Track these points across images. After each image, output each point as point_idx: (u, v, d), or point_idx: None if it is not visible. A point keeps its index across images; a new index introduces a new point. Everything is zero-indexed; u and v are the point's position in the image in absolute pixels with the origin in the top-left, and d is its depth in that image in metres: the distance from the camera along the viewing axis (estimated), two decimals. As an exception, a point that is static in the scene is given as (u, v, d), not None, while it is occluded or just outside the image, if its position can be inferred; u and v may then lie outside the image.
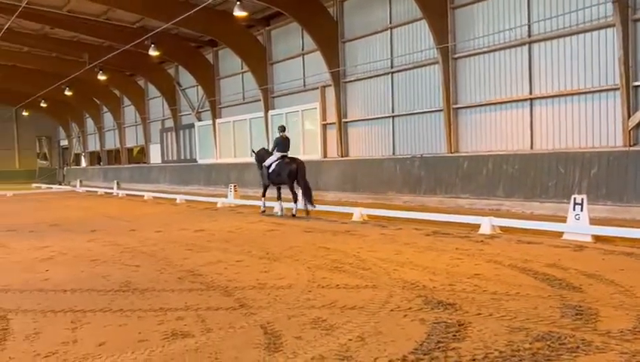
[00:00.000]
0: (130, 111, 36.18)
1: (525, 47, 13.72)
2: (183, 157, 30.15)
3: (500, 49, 14.27)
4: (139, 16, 22.66)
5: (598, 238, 8.29)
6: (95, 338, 4.46)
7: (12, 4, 20.84)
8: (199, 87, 27.55)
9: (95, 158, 43.27)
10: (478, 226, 9.74)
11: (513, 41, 13.93)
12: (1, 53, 29.27)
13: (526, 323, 4.44)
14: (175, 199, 19.89)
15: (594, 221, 8.82)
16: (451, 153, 15.24)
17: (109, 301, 5.65)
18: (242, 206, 16.57)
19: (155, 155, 33.52)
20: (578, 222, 8.59)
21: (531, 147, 13.65)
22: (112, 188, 27.60)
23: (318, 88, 20.26)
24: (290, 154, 13.91)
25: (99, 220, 14.36)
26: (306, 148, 20.88)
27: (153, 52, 23.44)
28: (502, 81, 14.33)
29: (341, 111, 19.23)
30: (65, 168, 47.62)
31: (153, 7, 20.56)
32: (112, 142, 39.67)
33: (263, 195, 14.39)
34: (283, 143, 13.81)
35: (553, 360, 3.69)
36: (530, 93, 13.67)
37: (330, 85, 19.39)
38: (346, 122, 19.32)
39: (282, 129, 14.08)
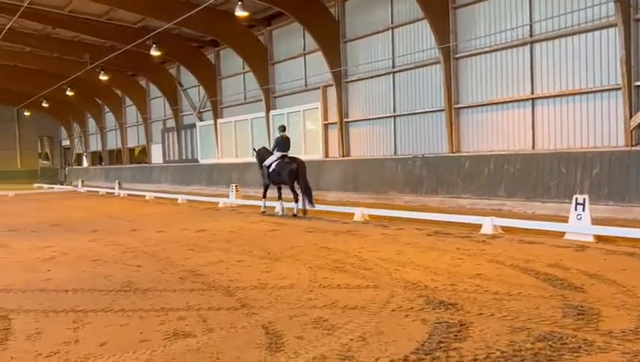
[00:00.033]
0: (131, 112, 36.22)
1: (527, 47, 13.71)
2: (184, 158, 30.17)
3: (502, 49, 14.26)
4: (140, 16, 22.69)
5: (599, 238, 8.28)
6: (97, 338, 4.46)
7: (14, 4, 20.87)
8: (201, 87, 27.58)
9: (97, 158, 43.32)
10: (479, 226, 9.73)
11: (515, 40, 13.92)
12: (2, 53, 29.32)
13: (528, 323, 4.44)
14: (177, 199, 19.89)
15: (596, 221, 8.81)
16: (453, 153, 15.23)
17: (110, 301, 5.65)
18: (244, 206, 16.58)
19: (156, 155, 33.55)
20: (580, 222, 8.58)
21: (533, 147, 13.64)
22: (114, 188, 27.64)
23: (319, 88, 20.26)
24: (291, 154, 13.91)
25: (100, 220, 14.37)
26: (307, 148, 20.88)
27: (155, 52, 23.45)
28: (503, 80, 14.32)
29: (342, 111, 19.23)
30: (66, 168, 47.67)
31: (155, 7, 20.58)
32: (113, 142, 39.72)
33: (264, 196, 14.40)
34: (283, 143, 13.83)
35: (555, 360, 3.68)
36: (532, 92, 13.66)
37: (331, 85, 19.39)
38: (348, 122, 19.32)
39: (282, 128, 14.09)
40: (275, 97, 22.87)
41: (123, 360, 3.98)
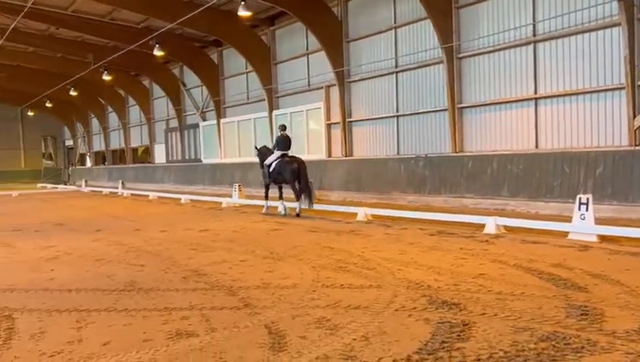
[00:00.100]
0: (134, 111, 36.27)
1: (530, 47, 13.68)
2: (187, 157, 30.21)
3: (505, 48, 14.23)
4: (143, 16, 22.71)
5: (603, 238, 8.26)
6: (100, 338, 4.47)
7: (18, 4, 20.93)
8: (204, 87, 27.61)
9: (100, 158, 43.40)
10: (482, 226, 9.72)
11: (518, 40, 13.89)
12: (6, 53, 29.38)
13: (531, 323, 4.43)
14: (180, 199, 19.92)
15: (599, 221, 8.79)
16: (456, 153, 15.21)
17: (113, 300, 5.66)
18: (247, 206, 16.59)
19: (159, 155, 33.59)
20: (583, 222, 8.56)
21: (536, 147, 13.61)
22: (117, 188, 27.69)
23: (322, 88, 20.26)
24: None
25: (104, 220, 14.40)
26: (310, 148, 20.88)
27: (158, 52, 23.48)
28: (507, 80, 14.29)
29: (345, 111, 19.23)
30: (70, 168, 47.75)
31: (158, 8, 20.60)
32: (116, 142, 39.79)
33: (266, 196, 14.43)
34: (284, 142, 13.86)
35: (558, 360, 3.67)
36: (535, 92, 13.63)
37: (334, 85, 19.38)
38: (351, 122, 19.31)
39: (283, 128, 14.12)
40: (277, 97, 22.87)
41: (126, 359, 3.99)
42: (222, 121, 26.62)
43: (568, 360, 3.67)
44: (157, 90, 32.65)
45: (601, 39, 12.23)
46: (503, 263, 6.87)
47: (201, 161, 28.60)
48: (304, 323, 4.65)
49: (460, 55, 15.26)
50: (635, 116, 11.43)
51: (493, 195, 13.26)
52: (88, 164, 44.91)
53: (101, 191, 28.24)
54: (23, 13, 20.72)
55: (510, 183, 13.00)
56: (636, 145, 11.34)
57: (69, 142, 49.45)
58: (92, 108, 40.90)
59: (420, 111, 16.70)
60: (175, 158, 31.38)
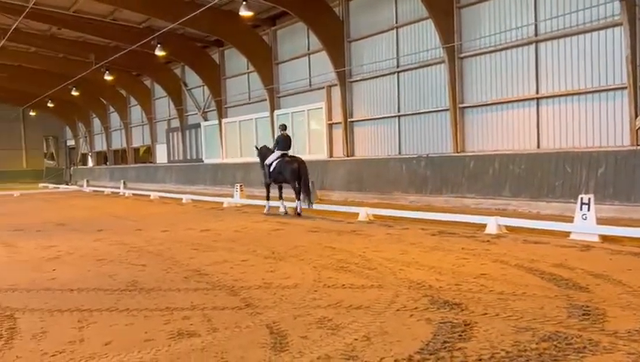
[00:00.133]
0: (136, 111, 36.30)
1: (532, 47, 13.67)
2: (189, 157, 30.22)
3: (507, 48, 14.22)
4: (145, 16, 22.73)
5: (605, 238, 8.25)
6: (101, 338, 4.47)
7: (20, 4, 20.96)
8: (205, 87, 27.62)
9: (102, 158, 43.45)
10: (484, 226, 9.71)
11: (520, 40, 13.88)
12: (8, 53, 29.41)
13: (532, 323, 4.43)
14: (181, 199, 19.93)
15: (601, 221, 8.78)
16: (457, 153, 15.20)
17: (115, 300, 5.67)
18: (248, 206, 16.59)
19: (161, 155, 33.62)
20: (585, 222, 8.55)
21: (538, 146, 13.60)
22: (119, 188, 27.71)
23: (323, 88, 20.26)
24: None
25: (105, 220, 14.41)
26: (311, 148, 20.89)
27: (159, 52, 23.50)
28: (508, 80, 14.28)
29: (347, 111, 19.22)
30: (72, 168, 47.82)
31: (159, 8, 20.62)
32: (118, 142, 39.82)
33: (267, 197, 14.43)
34: (284, 141, 13.88)
35: (560, 360, 3.67)
36: (537, 92, 13.62)
37: (336, 85, 19.38)
38: (352, 122, 19.31)
39: (283, 127, 14.15)
40: (279, 97, 22.88)
41: (128, 359, 3.99)
42: (223, 121, 26.63)
43: (570, 360, 3.67)
44: (158, 90, 32.66)
45: (602, 39, 12.22)
46: (504, 263, 6.86)
47: (202, 161, 28.62)
48: (306, 323, 4.65)
49: (462, 55, 15.25)
50: (637, 116, 11.42)
51: (494, 195, 13.25)
52: (90, 163, 44.96)
53: (103, 191, 28.25)
54: (24, 14, 20.75)
55: (512, 183, 12.99)
56: (638, 145, 11.33)
57: (71, 142, 49.52)
58: (94, 108, 40.95)
59: (422, 111, 16.69)
60: (176, 158, 31.40)
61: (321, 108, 20.46)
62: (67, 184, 40.40)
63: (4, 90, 39.59)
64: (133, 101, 36.07)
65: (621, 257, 7.09)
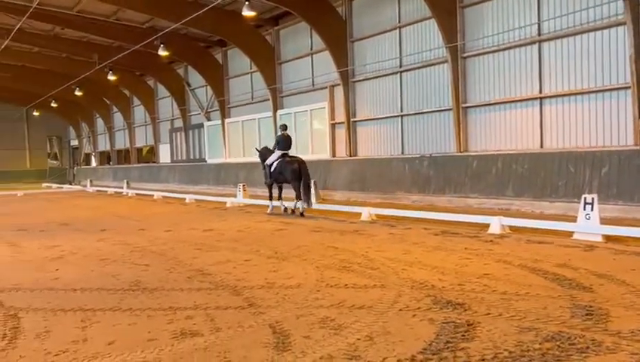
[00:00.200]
0: (139, 111, 36.38)
1: (535, 46, 13.64)
2: (192, 157, 30.26)
3: (510, 48, 14.20)
4: (148, 16, 22.79)
5: (608, 238, 8.22)
6: (105, 337, 4.48)
7: (23, 4, 21.02)
8: (208, 87, 27.65)
9: (105, 158, 43.56)
10: (487, 226, 9.69)
11: (523, 39, 13.86)
12: (12, 53, 29.51)
13: (536, 323, 4.42)
14: (184, 198, 19.95)
15: (605, 221, 8.75)
16: (460, 152, 15.18)
17: (118, 300, 5.68)
18: (251, 205, 16.59)
19: (164, 155, 33.68)
20: (588, 222, 8.53)
21: (541, 146, 13.58)
22: (122, 188, 27.76)
23: (326, 88, 20.26)
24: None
25: (109, 219, 14.44)
26: (314, 148, 20.89)
27: (162, 52, 23.54)
28: (511, 79, 14.26)
29: (350, 111, 19.22)
30: (75, 168, 47.95)
31: (162, 8, 20.66)
32: (121, 141, 39.91)
33: (270, 197, 14.44)
34: (284, 141, 13.90)
35: (563, 360, 3.66)
36: (540, 92, 13.60)
37: (338, 85, 19.38)
38: (355, 121, 19.31)
39: (284, 127, 14.18)
40: (282, 97, 22.89)
41: (131, 358, 4.00)
42: (226, 120, 26.65)
43: (573, 360, 3.66)
44: (162, 90, 32.73)
45: (606, 38, 12.19)
46: (507, 263, 6.85)
47: (205, 161, 28.65)
48: (308, 322, 4.65)
49: (465, 54, 15.23)
50: (640, 115, 11.39)
51: (497, 195, 13.22)
52: (93, 163, 45.06)
53: (106, 191, 28.32)
54: (28, 14, 20.80)
55: (515, 183, 12.96)
56: (642, 145, 11.31)
57: (74, 142, 49.65)
58: (97, 108, 41.04)
59: (425, 110, 16.68)
60: (180, 158, 31.44)
61: (324, 108, 20.46)
62: (70, 184, 40.51)
63: (7, 90, 39.72)
64: (136, 101, 36.13)
65: (625, 257, 7.06)
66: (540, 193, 12.32)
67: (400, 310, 4.94)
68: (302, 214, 13.28)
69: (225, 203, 17.72)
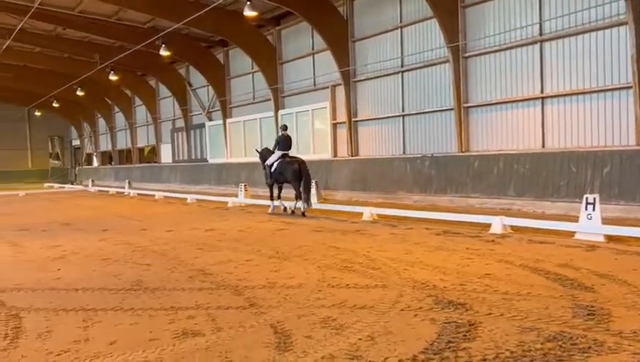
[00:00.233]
0: (141, 111, 36.40)
1: (537, 46, 13.63)
2: (193, 157, 30.28)
3: (511, 47, 14.19)
4: (149, 16, 22.80)
5: (610, 238, 8.21)
6: (106, 337, 4.49)
7: (25, 5, 21.04)
8: (210, 87, 27.67)
9: (107, 158, 43.60)
10: (488, 226, 9.68)
11: (524, 39, 13.85)
12: (13, 53, 29.55)
13: (537, 323, 4.41)
14: (186, 198, 19.96)
15: (606, 220, 8.75)
16: (462, 152, 15.18)
17: (120, 300, 5.68)
18: (252, 205, 16.60)
19: (165, 155, 33.71)
20: (590, 222, 8.52)
21: (543, 146, 13.56)
22: (124, 188, 27.79)
23: (328, 87, 20.26)
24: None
25: (110, 219, 14.45)
26: (316, 148, 20.89)
27: (164, 52, 23.54)
28: (513, 79, 14.25)
29: (351, 111, 19.22)
30: (77, 168, 48.01)
31: (164, 8, 20.67)
32: (123, 141, 39.95)
33: (271, 197, 14.44)
34: (285, 141, 13.91)
35: (565, 360, 3.66)
36: (542, 91, 13.59)
37: (340, 84, 19.38)
38: (356, 121, 19.31)
39: (284, 128, 14.21)
40: (283, 97, 22.90)
41: (132, 358, 4.00)
42: (228, 120, 26.66)
43: (575, 360, 3.66)
44: (163, 90, 32.75)
45: (608, 38, 12.18)
46: (509, 263, 6.85)
47: (207, 161, 28.66)
48: (310, 322, 4.65)
49: (466, 54, 15.22)
50: (642, 115, 11.37)
51: (499, 195, 13.21)
52: (95, 163, 45.12)
53: (108, 191, 28.34)
54: (29, 14, 20.83)
55: (516, 183, 12.95)
56: (644, 145, 11.29)
57: (76, 142, 49.72)
58: (99, 108, 41.09)
59: (426, 110, 16.67)
60: (181, 158, 31.46)
61: (326, 107, 20.46)
62: (72, 184, 40.55)
63: (9, 90, 39.77)
64: (137, 101, 36.16)
65: (626, 257, 7.06)
66: (541, 193, 12.31)
67: (401, 310, 4.94)
68: (303, 214, 13.27)
69: (226, 203, 17.73)
